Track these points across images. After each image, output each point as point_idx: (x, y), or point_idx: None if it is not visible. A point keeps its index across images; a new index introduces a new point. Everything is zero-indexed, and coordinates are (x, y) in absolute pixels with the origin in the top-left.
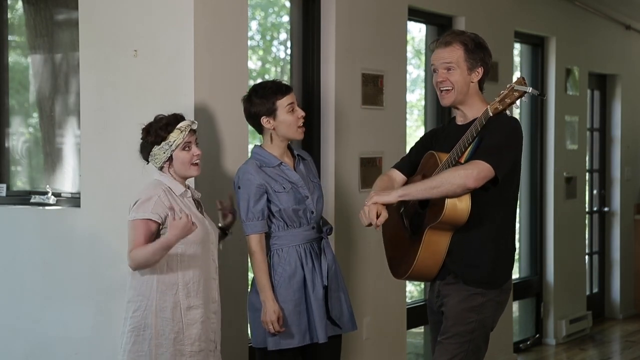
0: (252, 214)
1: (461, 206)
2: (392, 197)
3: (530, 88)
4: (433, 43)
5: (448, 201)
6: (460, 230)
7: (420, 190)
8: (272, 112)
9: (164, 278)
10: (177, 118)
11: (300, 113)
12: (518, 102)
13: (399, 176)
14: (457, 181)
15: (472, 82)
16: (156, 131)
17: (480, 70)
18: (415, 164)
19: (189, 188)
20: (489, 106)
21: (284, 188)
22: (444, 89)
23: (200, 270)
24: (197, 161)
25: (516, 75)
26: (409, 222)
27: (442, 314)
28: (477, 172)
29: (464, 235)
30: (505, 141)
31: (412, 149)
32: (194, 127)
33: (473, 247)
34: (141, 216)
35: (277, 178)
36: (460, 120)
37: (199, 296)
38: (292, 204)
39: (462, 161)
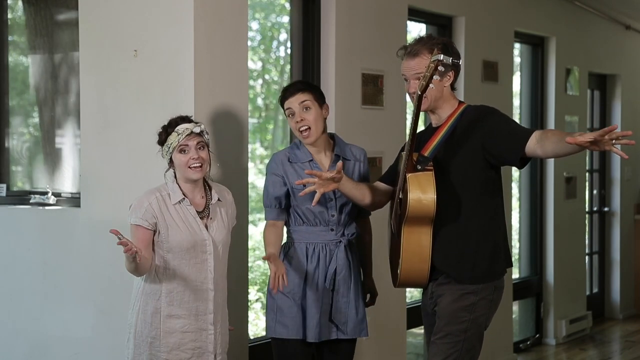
0: (269, 201)
1: (426, 198)
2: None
3: (441, 55)
4: (401, 50)
5: (411, 196)
6: (444, 228)
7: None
8: (285, 114)
9: (150, 282)
10: (178, 120)
11: (295, 119)
12: (437, 73)
13: (382, 185)
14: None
15: (444, 86)
16: (161, 132)
17: (451, 74)
18: (397, 173)
19: (210, 190)
20: (417, 87)
21: (305, 186)
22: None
23: (186, 280)
24: (194, 164)
25: (517, 75)
26: (395, 226)
27: (435, 315)
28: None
29: (449, 232)
30: (509, 121)
31: (393, 163)
32: (196, 130)
33: (459, 244)
34: (134, 221)
35: (302, 174)
36: (435, 123)
37: (183, 307)
38: (309, 204)
39: (426, 153)
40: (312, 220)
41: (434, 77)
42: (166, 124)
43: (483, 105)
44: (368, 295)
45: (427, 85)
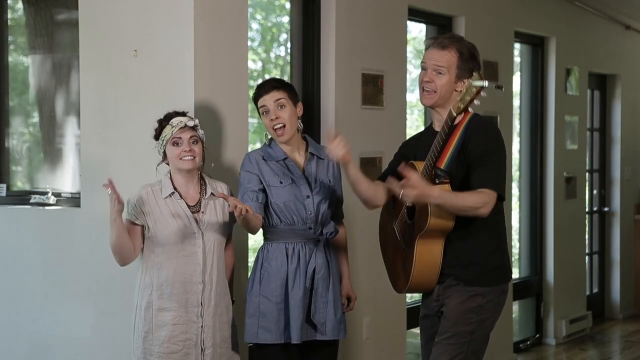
0: (247, 196)
1: (445, 211)
2: (433, 197)
3: (487, 82)
4: (430, 40)
5: (432, 209)
6: (454, 234)
7: (451, 204)
8: (259, 113)
9: (144, 278)
10: (173, 114)
11: (270, 117)
12: (478, 98)
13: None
14: (478, 211)
15: (456, 90)
16: (157, 127)
17: (466, 81)
18: (397, 174)
19: (206, 185)
20: (451, 107)
21: (281, 183)
22: (427, 89)
23: (175, 272)
24: (186, 157)
25: (517, 75)
26: (401, 235)
27: (438, 318)
28: (490, 204)
29: (456, 238)
30: (499, 157)
31: (391, 161)
32: (190, 123)
33: (467, 247)
34: (124, 215)
35: (277, 172)
36: (437, 126)
37: (173, 299)
38: (286, 200)
39: (442, 166)
40: (290, 218)
41: (476, 100)
42: (162, 117)
43: (490, 122)
44: (346, 300)
45: (464, 109)
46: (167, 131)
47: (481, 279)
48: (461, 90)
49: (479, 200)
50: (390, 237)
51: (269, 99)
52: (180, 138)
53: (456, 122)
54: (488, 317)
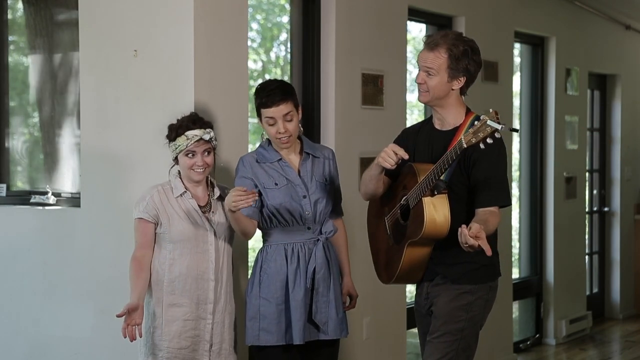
0: None
1: (440, 221)
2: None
3: (502, 126)
4: (424, 38)
5: (427, 218)
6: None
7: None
8: (259, 117)
9: (155, 274)
10: (189, 124)
11: (278, 129)
12: (491, 137)
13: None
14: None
15: (452, 89)
16: (171, 131)
17: (462, 79)
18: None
19: (213, 187)
20: (463, 136)
21: (277, 184)
22: (422, 90)
23: (188, 268)
24: (198, 169)
25: (517, 75)
26: (391, 230)
27: (430, 316)
28: (499, 220)
29: (449, 239)
30: (501, 172)
31: None
32: (205, 137)
33: (454, 247)
34: (137, 215)
35: (272, 174)
36: (438, 124)
37: (185, 295)
38: (282, 201)
39: (442, 177)
40: (288, 219)
41: (486, 139)
42: (176, 123)
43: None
44: (348, 298)
45: (475, 144)
46: (182, 142)
47: (468, 276)
48: (460, 88)
49: (496, 221)
50: (379, 227)
51: (277, 113)
52: (194, 151)
53: (458, 124)
54: (477, 314)
